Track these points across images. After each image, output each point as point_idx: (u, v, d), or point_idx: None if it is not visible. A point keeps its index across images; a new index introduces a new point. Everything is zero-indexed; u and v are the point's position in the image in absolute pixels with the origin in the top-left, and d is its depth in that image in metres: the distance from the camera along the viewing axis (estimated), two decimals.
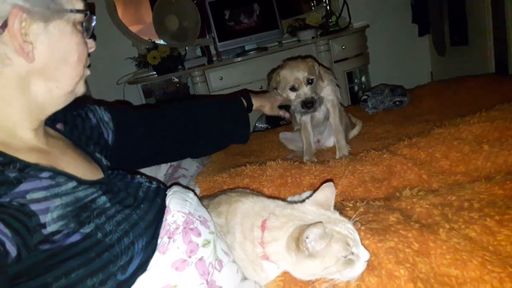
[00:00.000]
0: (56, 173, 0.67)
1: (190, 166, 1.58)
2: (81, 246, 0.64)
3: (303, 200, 0.84)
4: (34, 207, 0.60)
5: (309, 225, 0.72)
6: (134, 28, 3.23)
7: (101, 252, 0.65)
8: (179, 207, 0.79)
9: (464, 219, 0.89)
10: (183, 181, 1.46)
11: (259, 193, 1.05)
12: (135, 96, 3.10)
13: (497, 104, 1.43)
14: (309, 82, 1.52)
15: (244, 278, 0.83)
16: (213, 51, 3.17)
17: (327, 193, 0.82)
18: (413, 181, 1.19)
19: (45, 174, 0.65)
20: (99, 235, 0.66)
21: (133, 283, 0.68)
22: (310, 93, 1.52)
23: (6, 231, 0.54)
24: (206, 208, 0.91)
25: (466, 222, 0.87)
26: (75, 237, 0.63)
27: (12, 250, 0.55)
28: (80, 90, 0.77)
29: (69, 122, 0.89)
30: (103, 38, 3.08)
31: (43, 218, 0.61)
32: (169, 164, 1.61)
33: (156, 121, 1.19)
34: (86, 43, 0.75)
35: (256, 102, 1.44)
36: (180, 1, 2.93)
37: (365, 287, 0.77)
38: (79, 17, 0.73)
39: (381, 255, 0.81)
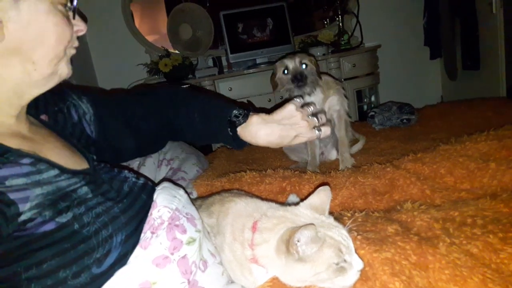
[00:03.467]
0: (38, 159, 0.65)
1: (190, 169, 1.57)
2: (55, 236, 0.61)
3: (298, 203, 0.81)
4: (13, 195, 0.58)
5: (300, 227, 0.69)
6: (149, 38, 3.27)
7: (76, 243, 0.63)
8: (166, 202, 0.77)
9: (466, 235, 0.85)
10: (181, 183, 1.44)
11: (255, 195, 1.03)
12: None
13: (506, 125, 1.40)
14: (303, 64, 1.52)
15: (231, 282, 0.79)
16: (224, 63, 3.19)
17: (322, 196, 0.80)
18: (415, 195, 1.15)
19: (26, 160, 0.63)
20: (76, 225, 0.64)
21: (109, 277, 0.65)
22: (301, 68, 1.51)
23: None
24: (198, 208, 0.89)
25: (468, 238, 0.84)
26: (50, 226, 0.61)
27: None
28: (64, 71, 0.73)
29: (50, 117, 0.86)
30: (117, 43, 3.14)
31: (22, 207, 0.59)
32: (169, 166, 1.59)
33: (139, 106, 1.04)
34: (69, 24, 0.71)
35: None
36: (195, 11, 2.97)
37: None
38: None
39: (376, 266, 0.78)
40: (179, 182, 1.44)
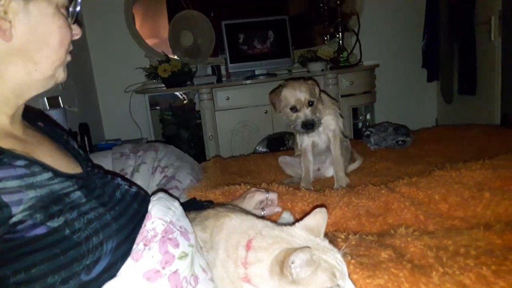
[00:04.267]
0: (32, 162, 0.64)
1: (184, 178, 1.55)
2: (46, 240, 0.60)
3: (293, 223, 0.81)
4: (6, 198, 0.57)
5: (295, 249, 0.68)
6: (149, 41, 3.27)
7: (66, 249, 0.61)
8: (161, 214, 0.76)
9: (459, 265, 0.85)
10: (175, 193, 1.42)
11: (250, 212, 1.02)
12: (141, 106, 3.11)
13: (501, 154, 1.41)
14: (310, 104, 1.52)
15: None
16: (223, 71, 3.19)
17: (318, 218, 0.79)
18: (409, 220, 1.15)
19: (20, 163, 0.61)
20: (67, 231, 0.62)
21: (97, 285, 0.64)
22: (311, 114, 1.52)
23: None
24: (192, 221, 0.87)
25: (461, 268, 0.83)
26: (41, 230, 0.60)
27: None
28: (60, 76, 0.74)
29: (46, 125, 0.86)
30: (117, 45, 3.13)
31: (15, 210, 0.57)
32: (163, 174, 1.58)
33: None
34: (69, 28, 0.73)
35: None
36: (197, 18, 2.97)
37: None
38: (62, 0, 0.71)
39: None
40: (172, 191, 1.43)
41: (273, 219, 1.16)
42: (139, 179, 1.53)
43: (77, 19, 0.76)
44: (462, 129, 2.09)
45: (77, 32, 0.76)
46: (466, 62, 2.93)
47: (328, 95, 1.71)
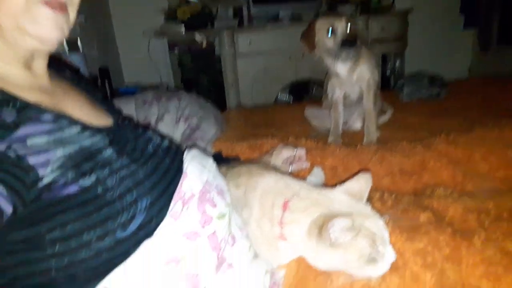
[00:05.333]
0: (59, 115, 0.60)
1: (208, 129, 1.52)
2: (78, 199, 0.58)
3: (334, 185, 0.77)
4: (32, 160, 0.54)
5: (337, 215, 0.65)
6: None
7: (100, 207, 0.60)
8: (197, 173, 0.73)
9: (502, 231, 0.81)
10: (200, 144, 1.40)
11: (278, 169, 0.98)
12: (159, 49, 3.02)
13: None
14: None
15: (256, 256, 0.77)
16: (246, 12, 3.03)
17: (362, 183, 0.75)
18: (445, 180, 1.10)
19: (46, 117, 0.58)
20: (99, 189, 0.60)
21: (134, 242, 0.62)
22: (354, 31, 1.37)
23: (1, 189, 0.49)
24: (224, 177, 0.85)
25: (504, 234, 0.80)
26: (72, 188, 0.58)
27: (8, 208, 0.50)
28: (40, 31, 0.62)
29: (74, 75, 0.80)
30: None
31: (42, 172, 0.55)
32: (187, 123, 1.54)
33: None
34: None
35: None
36: None
37: (385, 285, 0.71)
38: None
39: (407, 256, 0.74)
40: (197, 143, 1.40)
41: (303, 175, 1.13)
42: (163, 129, 1.50)
43: None
44: (501, 81, 1.96)
45: None
46: (509, 8, 2.70)
47: (364, 43, 1.59)
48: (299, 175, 1.14)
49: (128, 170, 0.66)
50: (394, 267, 0.72)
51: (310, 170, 1.15)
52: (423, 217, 0.85)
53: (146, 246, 0.62)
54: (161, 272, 0.61)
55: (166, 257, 0.62)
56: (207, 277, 0.64)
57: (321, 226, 0.67)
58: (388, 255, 0.69)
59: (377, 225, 0.69)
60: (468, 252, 0.75)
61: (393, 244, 0.75)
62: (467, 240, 0.78)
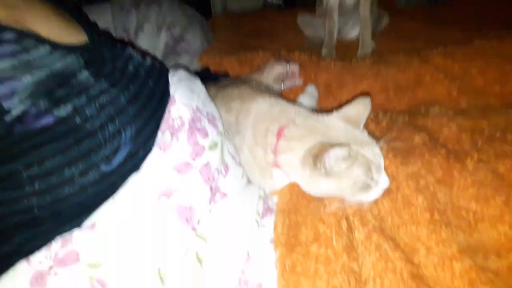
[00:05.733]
0: (22, 34, 0.52)
1: (193, 40, 1.41)
2: (56, 131, 0.53)
3: (331, 111, 0.73)
4: None
5: (333, 145, 0.63)
6: None
7: (80, 139, 0.55)
8: (185, 99, 0.68)
9: (495, 151, 0.81)
10: (185, 58, 1.31)
11: (274, 92, 0.93)
12: None
13: None
14: None
15: (248, 182, 0.77)
16: None
17: (360, 109, 0.72)
18: (440, 95, 1.08)
19: (8, 36, 0.50)
20: (78, 119, 0.55)
21: (120, 175, 0.59)
22: None
23: None
24: (214, 99, 0.80)
25: (496, 155, 0.80)
26: (47, 120, 0.52)
27: None
28: None
29: None
30: None
31: (7, 104, 0.49)
32: (169, 32, 1.42)
33: None
34: None
35: None
36: None
37: (377, 210, 0.73)
38: None
39: (401, 179, 0.75)
40: (182, 56, 1.31)
41: (297, 92, 1.09)
42: (144, 40, 1.40)
43: None
44: None
45: None
46: None
47: None
48: (292, 93, 1.10)
49: (108, 95, 0.60)
50: (386, 191, 0.72)
51: (303, 87, 1.10)
52: (418, 138, 0.84)
53: (135, 180, 0.59)
54: (152, 206, 0.59)
55: (157, 191, 0.60)
56: (200, 209, 0.63)
57: (316, 155, 0.65)
58: (382, 182, 0.69)
59: (373, 152, 0.68)
60: (460, 175, 0.76)
61: (386, 168, 0.75)
62: (460, 162, 0.78)
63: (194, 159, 0.64)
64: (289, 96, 1.08)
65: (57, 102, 0.53)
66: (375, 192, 0.70)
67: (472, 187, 0.74)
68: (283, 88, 1.08)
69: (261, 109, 0.76)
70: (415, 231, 0.68)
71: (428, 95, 1.09)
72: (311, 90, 1.07)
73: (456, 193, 0.74)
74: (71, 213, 0.57)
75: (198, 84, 0.75)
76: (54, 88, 0.53)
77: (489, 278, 0.61)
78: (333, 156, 0.64)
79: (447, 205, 0.73)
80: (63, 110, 0.54)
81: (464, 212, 0.72)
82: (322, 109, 1.06)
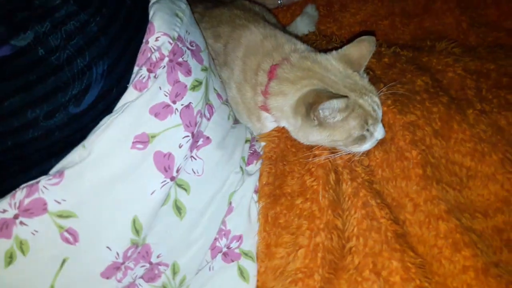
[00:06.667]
0: None
1: None
2: (15, 64, 0.45)
3: (330, 50, 0.64)
4: None
5: (329, 96, 0.56)
6: None
7: (44, 75, 0.47)
8: (165, 26, 0.57)
9: (498, 101, 0.76)
10: None
11: (269, 15, 0.81)
12: None
13: None
14: None
15: (235, 123, 0.70)
16: None
17: (363, 49, 0.63)
18: (448, 27, 0.98)
19: None
20: (41, 50, 0.47)
21: (91, 117, 0.52)
22: None
23: None
24: (200, 22, 0.68)
25: (500, 106, 0.75)
26: (4, 51, 0.44)
27: None
28: None
29: None
30: None
31: None
32: None
33: None
34: None
35: None
36: None
37: (367, 160, 0.69)
38: None
39: (397, 129, 0.70)
40: None
41: (294, 11, 0.96)
42: None
43: None
44: None
45: None
46: None
47: None
48: (289, 12, 0.97)
49: (77, 21, 0.50)
50: (380, 141, 0.68)
51: (302, 5, 0.97)
52: (420, 81, 0.77)
53: (107, 123, 0.52)
54: (126, 152, 0.53)
55: (131, 137, 0.53)
56: (180, 157, 0.57)
57: (311, 105, 0.58)
58: (377, 133, 0.64)
59: (372, 102, 0.61)
60: (459, 127, 0.71)
61: (384, 115, 0.70)
62: (461, 113, 0.73)
63: (174, 101, 0.56)
64: (286, 16, 0.96)
65: (15, 30, 0.45)
66: (369, 143, 0.65)
67: (469, 141, 0.70)
68: (279, 2, 0.95)
69: (253, 40, 0.65)
70: (405, 187, 0.66)
71: (435, 26, 0.99)
72: (311, 10, 0.94)
73: (453, 147, 0.70)
74: (37, 158, 0.51)
75: (181, 4, 0.62)
76: (10, 12, 0.44)
77: (473, 239, 0.60)
78: (329, 108, 0.57)
79: (441, 160, 0.69)
80: (23, 39, 0.45)
81: (458, 168, 0.69)
82: (320, 32, 0.96)
